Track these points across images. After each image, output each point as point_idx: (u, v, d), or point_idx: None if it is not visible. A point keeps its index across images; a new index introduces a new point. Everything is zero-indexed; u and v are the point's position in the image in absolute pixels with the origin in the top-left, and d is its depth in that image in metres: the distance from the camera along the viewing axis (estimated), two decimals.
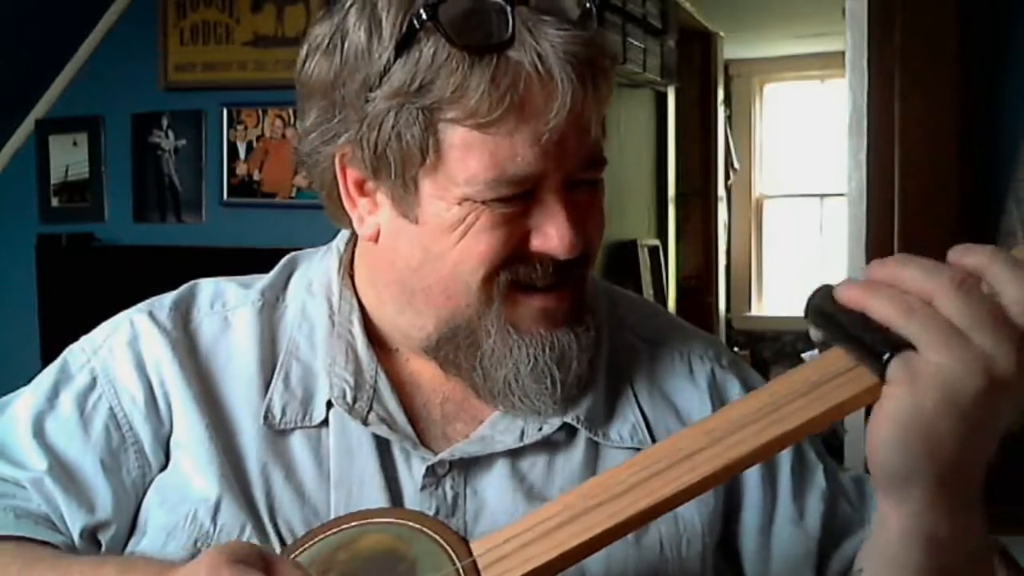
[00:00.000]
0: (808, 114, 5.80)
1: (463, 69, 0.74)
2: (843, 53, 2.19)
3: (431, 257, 0.82)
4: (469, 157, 0.76)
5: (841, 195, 2.40)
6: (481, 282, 0.80)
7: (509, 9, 0.74)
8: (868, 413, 0.65)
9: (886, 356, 0.63)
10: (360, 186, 0.84)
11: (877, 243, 2.14)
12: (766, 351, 5.74)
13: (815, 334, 0.70)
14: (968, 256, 0.63)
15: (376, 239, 0.86)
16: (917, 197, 2.15)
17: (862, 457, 2.14)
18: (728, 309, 5.64)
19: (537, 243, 0.79)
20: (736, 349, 5.21)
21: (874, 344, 0.64)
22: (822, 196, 5.80)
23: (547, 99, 0.74)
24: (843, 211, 2.25)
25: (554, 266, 0.80)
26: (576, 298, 0.84)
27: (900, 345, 0.62)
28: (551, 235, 0.78)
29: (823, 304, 0.67)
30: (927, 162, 2.15)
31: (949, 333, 0.61)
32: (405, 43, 0.75)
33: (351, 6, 0.80)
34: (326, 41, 0.81)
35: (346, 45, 0.79)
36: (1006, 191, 2.11)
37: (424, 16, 0.74)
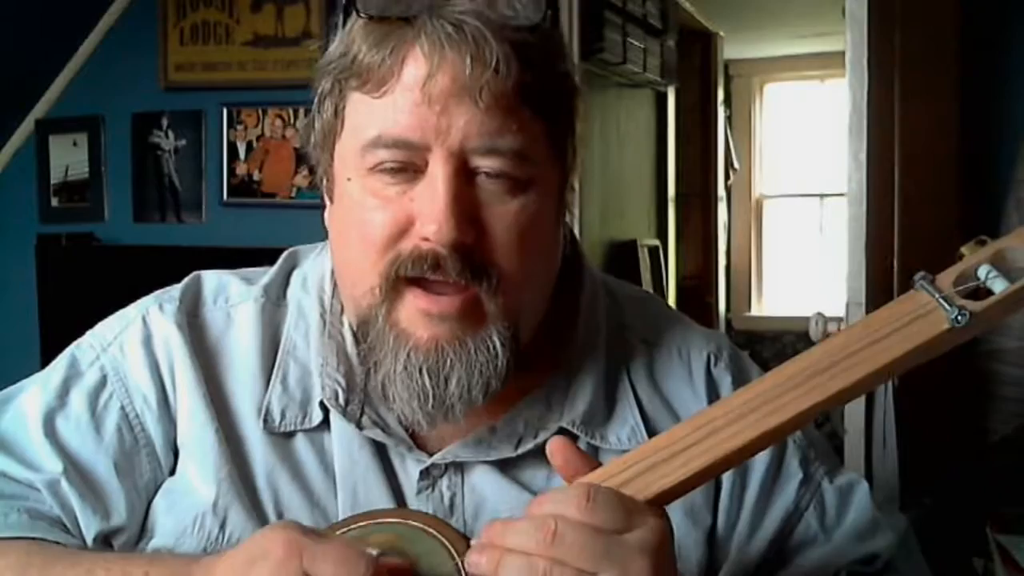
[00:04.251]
0: (808, 114, 5.79)
1: (361, 37, 0.77)
2: (843, 53, 2.19)
3: (341, 240, 0.82)
4: (357, 120, 0.78)
5: (841, 195, 2.40)
6: (371, 266, 0.78)
7: None
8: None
9: None
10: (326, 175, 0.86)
11: (877, 243, 2.14)
12: (766, 351, 5.73)
13: None
14: (547, 504, 0.65)
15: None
16: (917, 197, 2.15)
17: (862, 457, 2.14)
18: (728, 309, 5.63)
19: (418, 225, 0.76)
20: None
21: None
22: (822, 196, 5.79)
23: (428, 68, 0.74)
24: (843, 211, 2.25)
25: (434, 258, 0.76)
26: (470, 308, 0.78)
27: None
28: (425, 214, 0.75)
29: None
30: (927, 162, 2.15)
31: None
32: (344, 19, 0.79)
33: None
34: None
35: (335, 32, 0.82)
36: (1006, 191, 2.11)
37: None
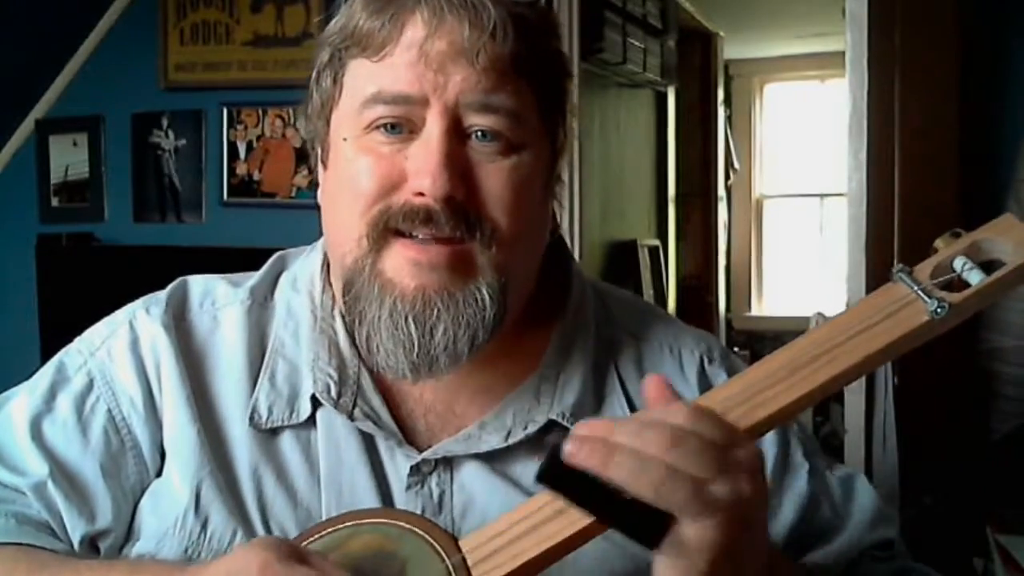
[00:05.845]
0: (808, 114, 5.80)
1: (361, 6, 0.81)
2: (843, 53, 2.19)
3: (333, 204, 0.84)
4: (356, 83, 0.81)
5: (841, 195, 2.40)
6: (359, 216, 0.79)
7: None
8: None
9: (654, 536, 0.61)
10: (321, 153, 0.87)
11: (877, 243, 2.14)
12: (766, 351, 5.63)
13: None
14: (657, 415, 0.64)
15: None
16: (917, 197, 2.15)
17: (862, 457, 2.14)
18: (728, 309, 5.63)
19: (411, 181, 0.78)
20: (736, 349, 5.20)
21: (634, 523, 0.62)
22: (822, 196, 5.79)
23: (427, 31, 0.77)
24: (843, 211, 2.25)
25: (426, 213, 0.77)
26: (459, 261, 0.79)
27: (660, 522, 0.61)
28: (419, 168, 0.77)
29: (560, 469, 0.62)
30: (927, 162, 2.15)
31: (699, 497, 0.60)
32: None
33: None
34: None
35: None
36: (1006, 191, 2.11)
37: None
